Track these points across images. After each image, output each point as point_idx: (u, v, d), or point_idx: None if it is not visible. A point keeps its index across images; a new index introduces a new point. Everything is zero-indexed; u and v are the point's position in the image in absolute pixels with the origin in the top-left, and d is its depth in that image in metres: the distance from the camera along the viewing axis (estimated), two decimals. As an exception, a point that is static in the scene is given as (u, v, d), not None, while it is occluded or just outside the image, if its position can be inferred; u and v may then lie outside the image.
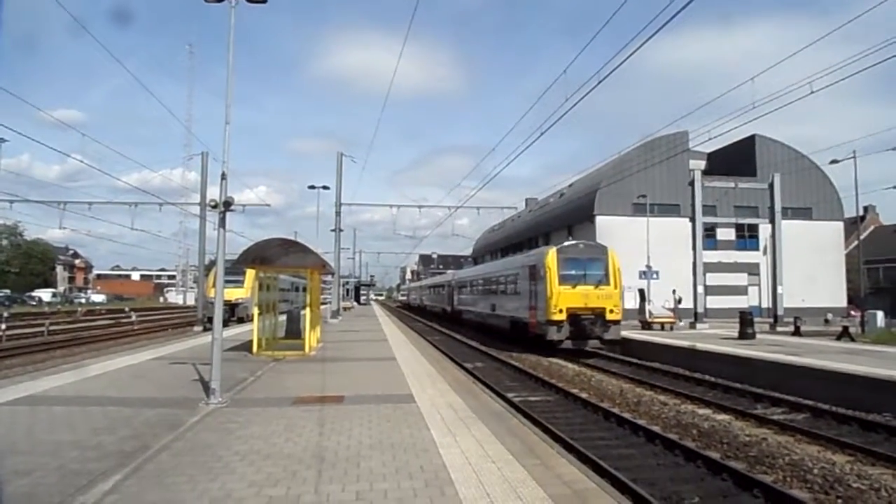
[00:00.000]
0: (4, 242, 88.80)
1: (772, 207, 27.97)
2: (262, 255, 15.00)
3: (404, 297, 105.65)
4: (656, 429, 10.08)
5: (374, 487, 5.20)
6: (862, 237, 41.48)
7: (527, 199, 65.72)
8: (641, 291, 29.40)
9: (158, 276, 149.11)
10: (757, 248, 41.30)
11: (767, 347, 17.67)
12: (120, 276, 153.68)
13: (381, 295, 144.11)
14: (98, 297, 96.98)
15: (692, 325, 27.05)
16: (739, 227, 40.77)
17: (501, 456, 6.23)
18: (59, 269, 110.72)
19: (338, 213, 34.95)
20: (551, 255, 21.03)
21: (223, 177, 9.61)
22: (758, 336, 21.50)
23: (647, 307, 28.51)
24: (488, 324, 30.37)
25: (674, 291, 29.15)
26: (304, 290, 21.77)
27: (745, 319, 21.54)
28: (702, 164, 42.65)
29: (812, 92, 14.06)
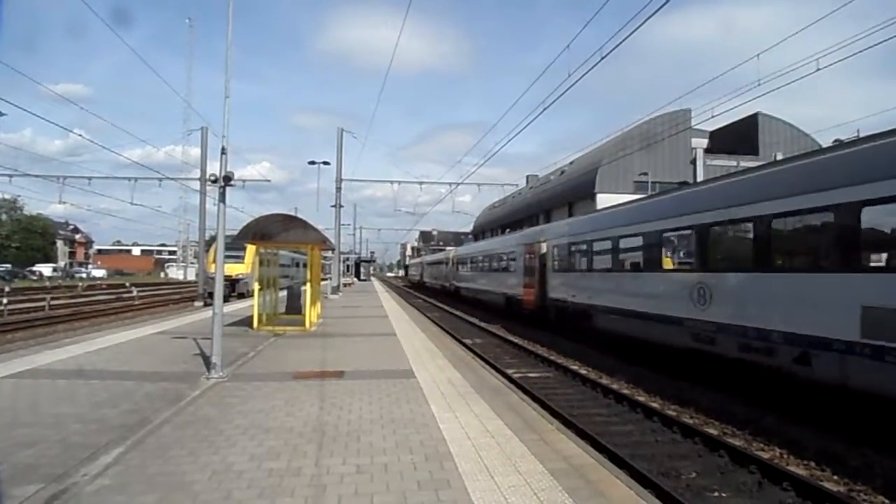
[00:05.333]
0: (4, 217, 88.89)
1: (774, 186, 27.81)
2: (262, 231, 15.00)
3: (415, 274, 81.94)
4: (655, 405, 10.16)
5: (375, 461, 5.25)
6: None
7: (528, 176, 65.44)
8: None
9: (159, 252, 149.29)
10: (759, 227, 40.91)
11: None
12: (120, 251, 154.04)
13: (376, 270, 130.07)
14: (99, 272, 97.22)
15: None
16: (741, 206, 40.48)
17: (501, 431, 6.28)
18: (59, 243, 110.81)
19: (338, 189, 34.85)
20: None
21: (223, 151, 9.56)
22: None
23: None
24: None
25: None
26: (305, 265, 21.78)
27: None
28: (704, 142, 42.25)
29: (818, 69, 13.86)
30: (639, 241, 13.96)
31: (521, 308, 23.81)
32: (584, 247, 17.46)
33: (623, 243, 14.94)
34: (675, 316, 11.93)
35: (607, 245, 15.68)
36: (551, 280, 20.26)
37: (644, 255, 13.83)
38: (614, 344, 15.16)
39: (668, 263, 13.01)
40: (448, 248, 78.64)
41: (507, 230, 39.04)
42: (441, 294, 48.11)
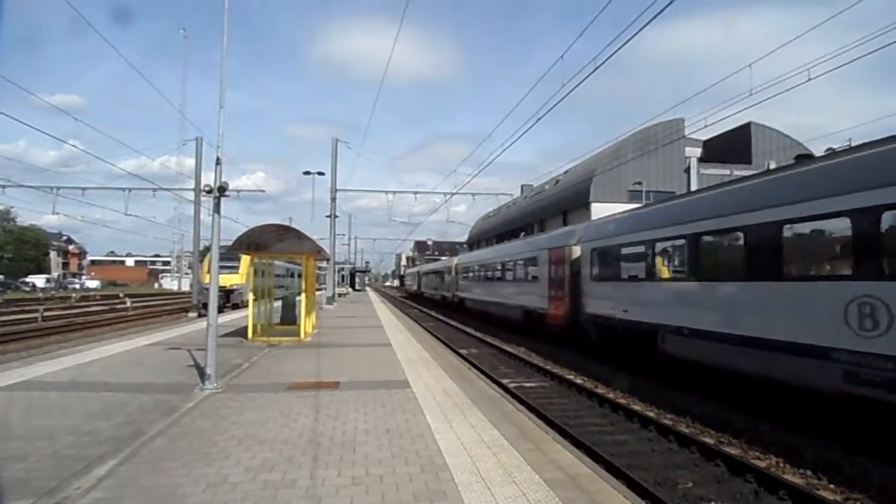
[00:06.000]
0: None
1: (767, 195, 27.85)
2: (257, 241, 14.98)
3: (411, 284, 74.22)
4: (651, 414, 10.15)
5: (370, 472, 5.22)
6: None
7: (522, 186, 65.56)
8: None
9: (153, 262, 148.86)
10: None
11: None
12: (114, 262, 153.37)
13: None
14: (92, 283, 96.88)
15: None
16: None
17: (497, 441, 6.26)
18: (52, 254, 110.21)
19: (333, 199, 34.84)
20: None
21: (218, 162, 9.55)
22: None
23: None
24: None
25: None
26: (300, 276, 21.73)
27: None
28: (698, 151, 42.57)
29: (809, 79, 13.97)
30: (739, 239, 10.37)
31: (544, 324, 20.10)
32: (642, 248, 13.59)
33: (710, 242, 11.37)
34: (811, 344, 8.38)
35: (681, 244, 12.09)
36: (590, 291, 16.61)
37: (752, 258, 9.93)
38: (696, 376, 11.64)
39: (798, 267, 9.37)
40: (443, 257, 77.67)
41: (524, 234, 35.26)
42: (441, 306, 44.36)
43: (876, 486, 6.74)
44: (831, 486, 6.90)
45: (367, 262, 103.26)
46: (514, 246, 27.51)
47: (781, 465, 7.65)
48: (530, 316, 21.81)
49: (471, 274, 34.63)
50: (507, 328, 24.46)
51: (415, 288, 67.64)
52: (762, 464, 7.62)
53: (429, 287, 54.87)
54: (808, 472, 7.31)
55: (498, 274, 27.68)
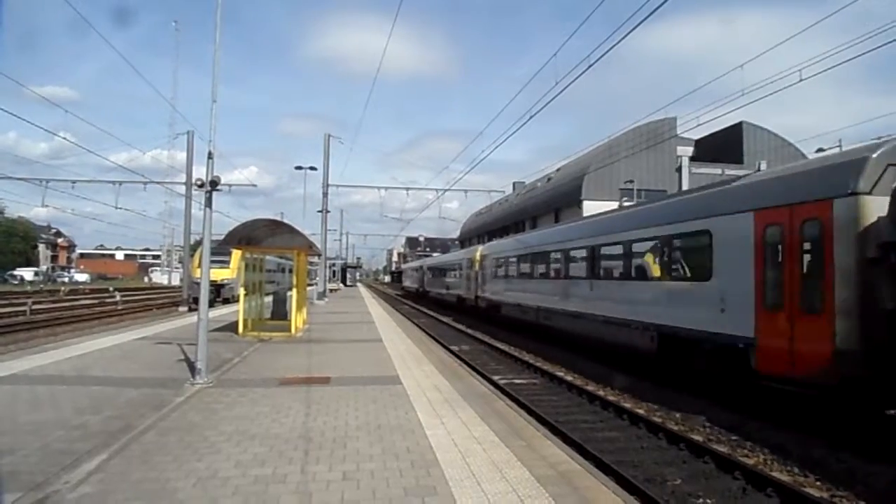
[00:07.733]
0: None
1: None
2: (248, 236, 14.94)
3: (411, 283, 63.67)
4: (640, 412, 10.20)
5: (361, 468, 5.22)
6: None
7: (514, 183, 65.65)
8: None
9: (143, 256, 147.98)
10: (743, 235, 40.98)
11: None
12: (104, 255, 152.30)
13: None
14: (81, 277, 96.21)
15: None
16: (726, 214, 40.66)
17: (487, 437, 6.28)
18: (41, 247, 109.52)
19: (325, 195, 34.79)
20: None
21: (209, 156, 9.51)
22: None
23: None
24: None
25: None
26: (291, 271, 21.67)
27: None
28: (689, 150, 42.70)
29: (801, 80, 14.06)
30: None
31: (745, 369, 9.53)
32: None
33: None
34: None
35: None
36: None
37: None
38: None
39: None
40: (435, 253, 77.11)
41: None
42: (456, 310, 34.51)
43: (861, 483, 6.82)
44: (817, 483, 6.97)
45: (358, 258, 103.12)
46: (625, 217, 15.57)
47: (769, 462, 7.71)
48: (686, 348, 11.46)
49: (512, 267, 24.23)
50: (608, 359, 14.79)
51: (416, 286, 56.11)
52: (750, 461, 7.68)
53: (437, 285, 44.07)
54: (795, 470, 7.38)
55: (578, 267, 17.14)
